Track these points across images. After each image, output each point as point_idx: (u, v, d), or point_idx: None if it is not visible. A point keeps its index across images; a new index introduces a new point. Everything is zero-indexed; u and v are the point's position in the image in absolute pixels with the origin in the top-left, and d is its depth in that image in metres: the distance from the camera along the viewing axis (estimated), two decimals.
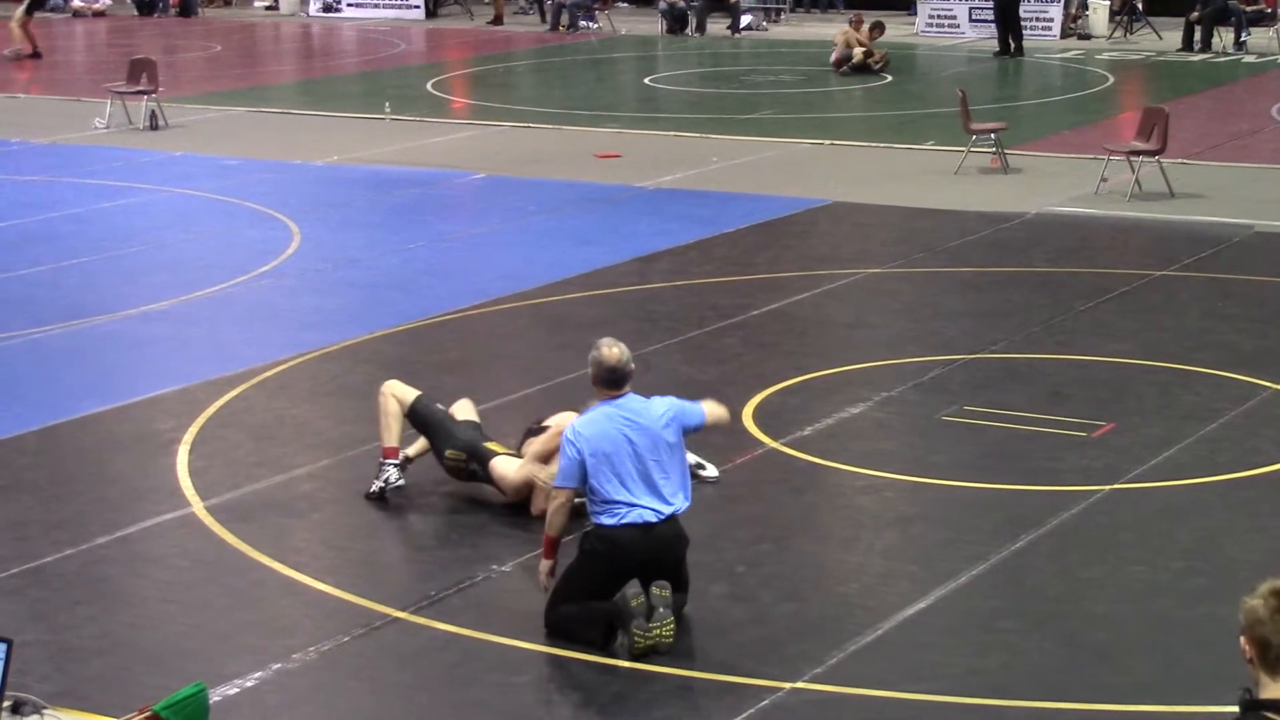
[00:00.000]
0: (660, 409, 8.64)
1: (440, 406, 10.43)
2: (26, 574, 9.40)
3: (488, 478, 10.09)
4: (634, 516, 8.35)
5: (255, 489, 10.57)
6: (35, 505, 10.48)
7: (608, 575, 8.36)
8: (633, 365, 8.71)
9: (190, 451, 11.24)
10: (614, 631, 8.26)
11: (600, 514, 8.42)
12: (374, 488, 10.22)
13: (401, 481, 10.22)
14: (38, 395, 12.61)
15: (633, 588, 8.16)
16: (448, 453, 10.20)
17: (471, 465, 10.12)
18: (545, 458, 9.85)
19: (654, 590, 8.23)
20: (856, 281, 15.44)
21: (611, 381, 8.63)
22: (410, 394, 10.41)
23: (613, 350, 8.65)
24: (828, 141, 22.67)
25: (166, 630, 8.77)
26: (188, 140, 23.46)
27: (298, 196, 19.65)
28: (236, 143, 23.26)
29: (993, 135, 20.39)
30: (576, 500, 8.61)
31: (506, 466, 10.03)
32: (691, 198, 19.24)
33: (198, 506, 10.29)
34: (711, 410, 8.96)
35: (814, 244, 17.28)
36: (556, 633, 8.40)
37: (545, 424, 10.28)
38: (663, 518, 8.42)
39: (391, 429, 10.29)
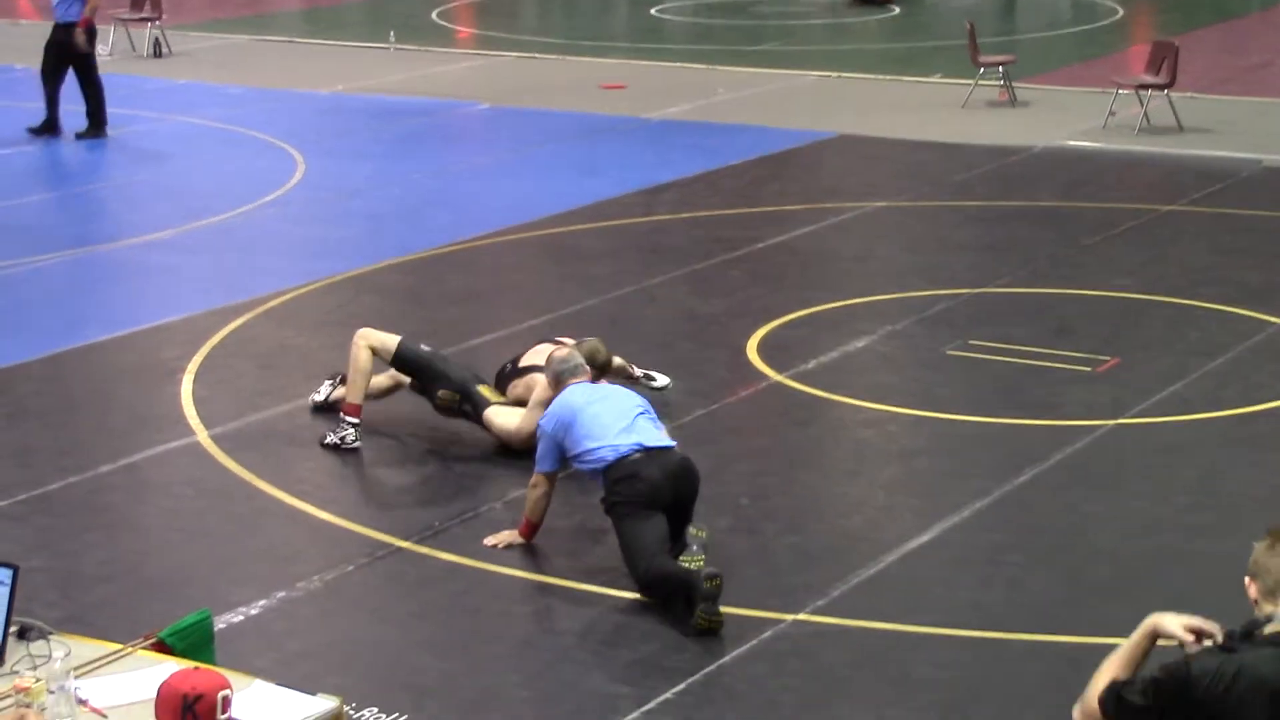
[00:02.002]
0: (634, 399, 8.74)
1: (425, 346, 10.25)
2: (32, 501, 9.43)
3: (479, 422, 9.94)
4: (630, 445, 8.34)
5: (260, 418, 10.58)
6: (41, 432, 10.50)
7: (648, 508, 8.20)
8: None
9: (194, 380, 11.25)
10: (691, 603, 8.04)
11: (599, 463, 8.33)
12: (329, 439, 10.01)
13: (358, 444, 9.98)
14: (43, 323, 12.61)
15: (709, 569, 7.93)
16: (440, 393, 10.01)
17: (464, 406, 9.99)
18: (546, 405, 9.72)
19: (691, 530, 8.22)
20: (862, 215, 15.41)
21: (577, 370, 8.82)
22: (390, 340, 10.11)
23: (572, 349, 9.09)
24: (834, 74, 22.57)
25: (171, 557, 8.80)
26: (192, 68, 23.38)
27: (302, 126, 19.60)
28: (240, 71, 23.18)
29: (1001, 68, 20.30)
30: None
31: (507, 419, 9.83)
32: (697, 130, 19.18)
33: (202, 435, 10.30)
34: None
35: (820, 177, 17.23)
36: (651, 591, 8.13)
37: (522, 363, 10.18)
38: (662, 445, 8.41)
39: (358, 384, 10.04)
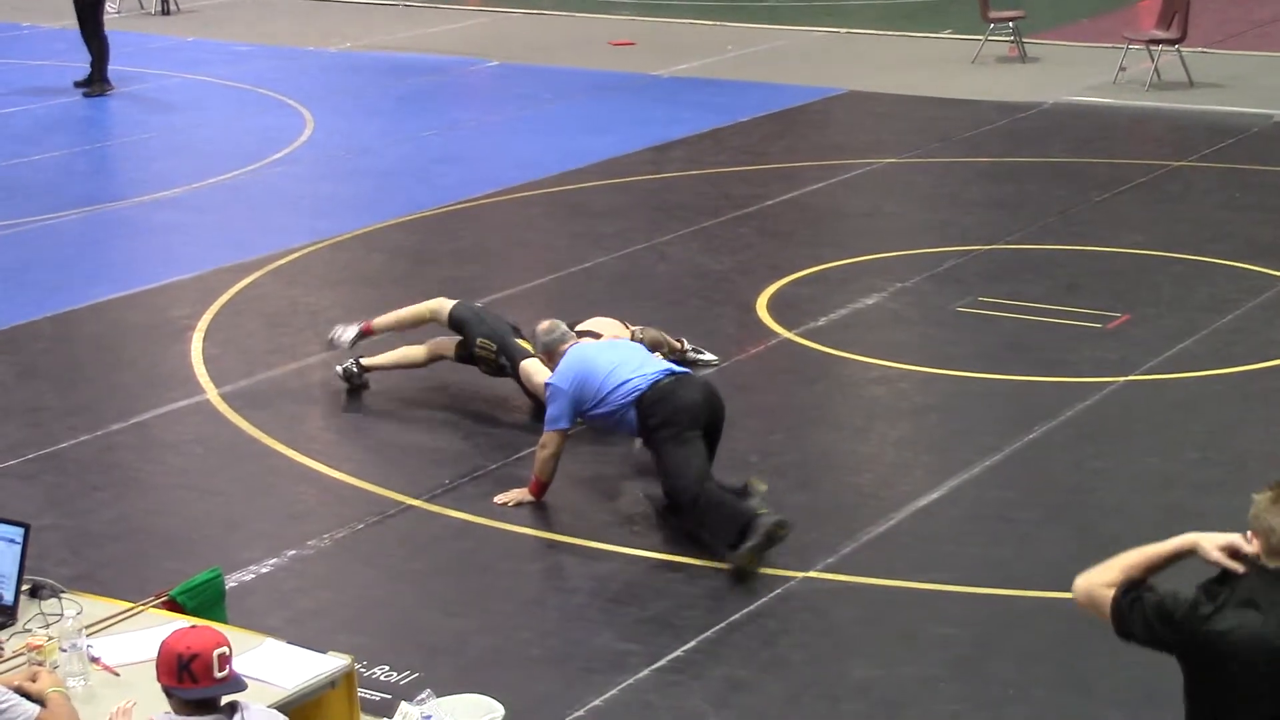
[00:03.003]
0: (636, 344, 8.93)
1: (478, 305, 10.28)
2: (43, 459, 9.45)
3: (515, 375, 9.84)
4: (659, 370, 8.47)
5: (269, 376, 10.59)
6: (51, 391, 10.51)
7: (690, 429, 8.25)
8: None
9: (204, 338, 11.25)
10: (743, 538, 8.11)
11: (631, 394, 8.35)
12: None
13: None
14: (52, 281, 12.61)
15: (768, 516, 7.97)
16: (479, 340, 9.91)
17: (500, 359, 9.86)
18: None
19: (752, 481, 8.26)
20: (872, 171, 15.37)
21: (566, 336, 8.94)
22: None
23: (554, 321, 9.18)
24: (844, 30, 22.49)
25: (182, 516, 8.82)
26: (200, 25, 23.32)
27: (310, 83, 19.56)
28: (248, 28, 23.12)
29: (1011, 23, 20.20)
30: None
31: (543, 372, 9.75)
32: (707, 86, 19.12)
33: (212, 393, 10.31)
34: None
35: (829, 133, 17.19)
36: (697, 510, 8.14)
37: (580, 328, 10.06)
38: (687, 371, 8.55)
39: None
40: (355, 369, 10.22)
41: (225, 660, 5.10)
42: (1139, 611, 4.62)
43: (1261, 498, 4.63)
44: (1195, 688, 4.62)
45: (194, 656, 5.06)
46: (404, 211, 14.27)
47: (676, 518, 8.37)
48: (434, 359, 10.21)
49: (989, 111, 17.48)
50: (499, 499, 8.73)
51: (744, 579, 7.85)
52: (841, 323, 11.39)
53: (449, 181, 15.25)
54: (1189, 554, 4.72)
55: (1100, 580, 4.73)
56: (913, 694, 6.98)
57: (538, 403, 9.62)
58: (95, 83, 18.77)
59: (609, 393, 8.43)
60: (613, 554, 8.24)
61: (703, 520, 8.14)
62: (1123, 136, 16.73)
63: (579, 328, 10.08)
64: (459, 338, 10.04)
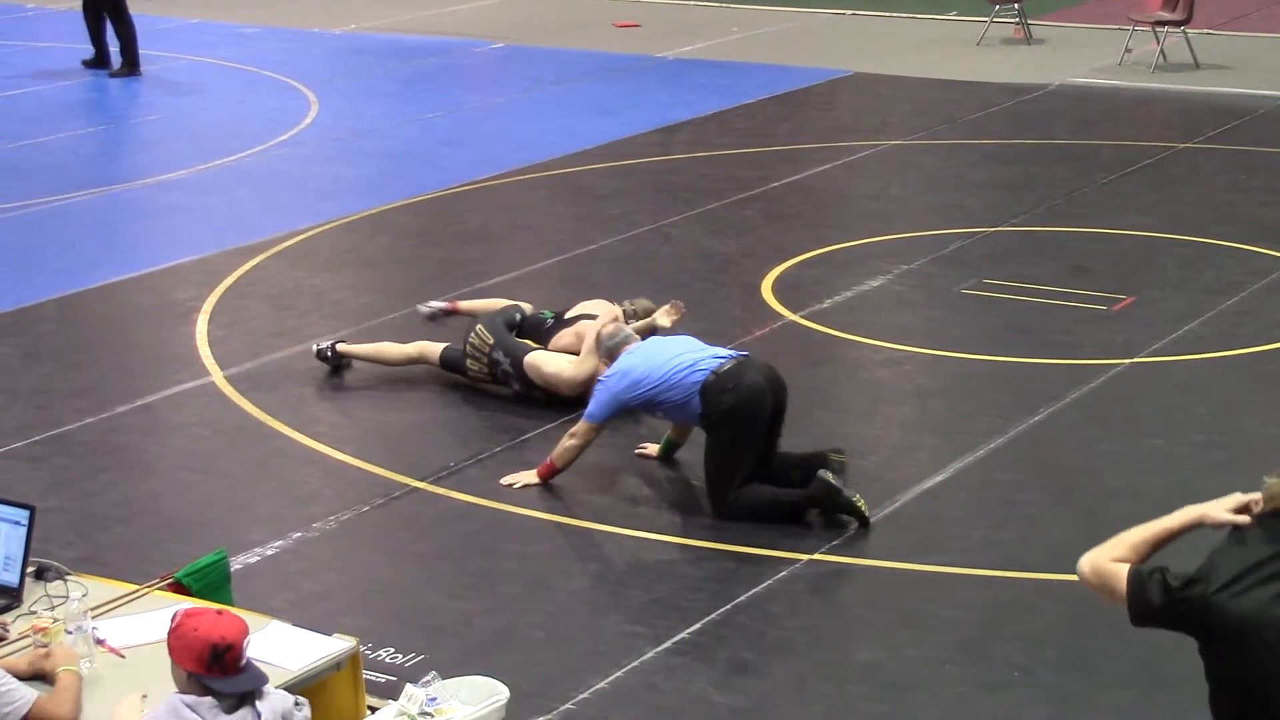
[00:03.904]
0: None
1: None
2: (49, 441, 9.45)
3: (518, 373, 9.69)
4: (724, 355, 8.46)
5: (274, 358, 10.59)
6: (56, 373, 10.51)
7: (754, 421, 8.27)
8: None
9: (209, 321, 11.26)
10: (806, 511, 8.19)
11: (702, 376, 8.31)
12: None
13: (328, 350, 10.21)
14: (57, 263, 12.61)
15: (833, 476, 8.12)
16: (473, 334, 9.83)
17: (496, 354, 9.75)
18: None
19: (833, 457, 8.31)
20: (877, 153, 15.35)
21: (629, 338, 8.83)
22: (438, 348, 10.08)
23: (619, 324, 9.14)
24: (849, 11, 22.46)
25: (188, 498, 8.82)
26: (204, 7, 23.30)
27: (315, 65, 19.55)
28: (253, 10, 23.10)
29: (1016, 5, 20.18)
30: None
31: (557, 363, 9.63)
32: (711, 68, 19.10)
33: (217, 376, 10.31)
34: None
35: (835, 115, 17.17)
36: (734, 520, 8.26)
37: (569, 314, 10.06)
38: (746, 355, 8.55)
39: (371, 350, 10.18)
40: (330, 353, 10.24)
41: (247, 649, 5.11)
42: (1157, 580, 4.46)
43: (1275, 480, 4.56)
44: (1220, 667, 4.49)
45: (229, 647, 5.03)
46: (409, 193, 14.27)
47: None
48: (412, 362, 10.15)
49: (994, 93, 17.46)
50: (505, 480, 8.73)
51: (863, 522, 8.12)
52: (846, 305, 11.39)
53: (454, 163, 15.24)
54: (1196, 527, 4.65)
55: (1108, 555, 4.60)
56: (918, 676, 6.99)
57: (546, 394, 9.62)
58: (127, 65, 18.81)
59: (675, 381, 8.37)
60: (618, 536, 8.25)
61: (747, 520, 8.25)
62: (1128, 118, 16.71)
63: (569, 314, 10.08)
64: (445, 345, 10.05)
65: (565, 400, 9.50)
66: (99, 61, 19.07)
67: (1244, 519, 4.54)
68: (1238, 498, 4.60)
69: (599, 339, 9.03)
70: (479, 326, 9.94)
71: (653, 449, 9.02)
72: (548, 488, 8.68)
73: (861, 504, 8.17)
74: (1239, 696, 4.47)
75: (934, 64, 18.90)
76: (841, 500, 8.15)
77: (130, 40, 18.81)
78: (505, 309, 10.18)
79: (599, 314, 9.81)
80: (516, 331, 10.03)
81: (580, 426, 8.58)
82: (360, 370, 10.30)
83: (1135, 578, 4.52)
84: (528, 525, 8.39)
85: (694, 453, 8.84)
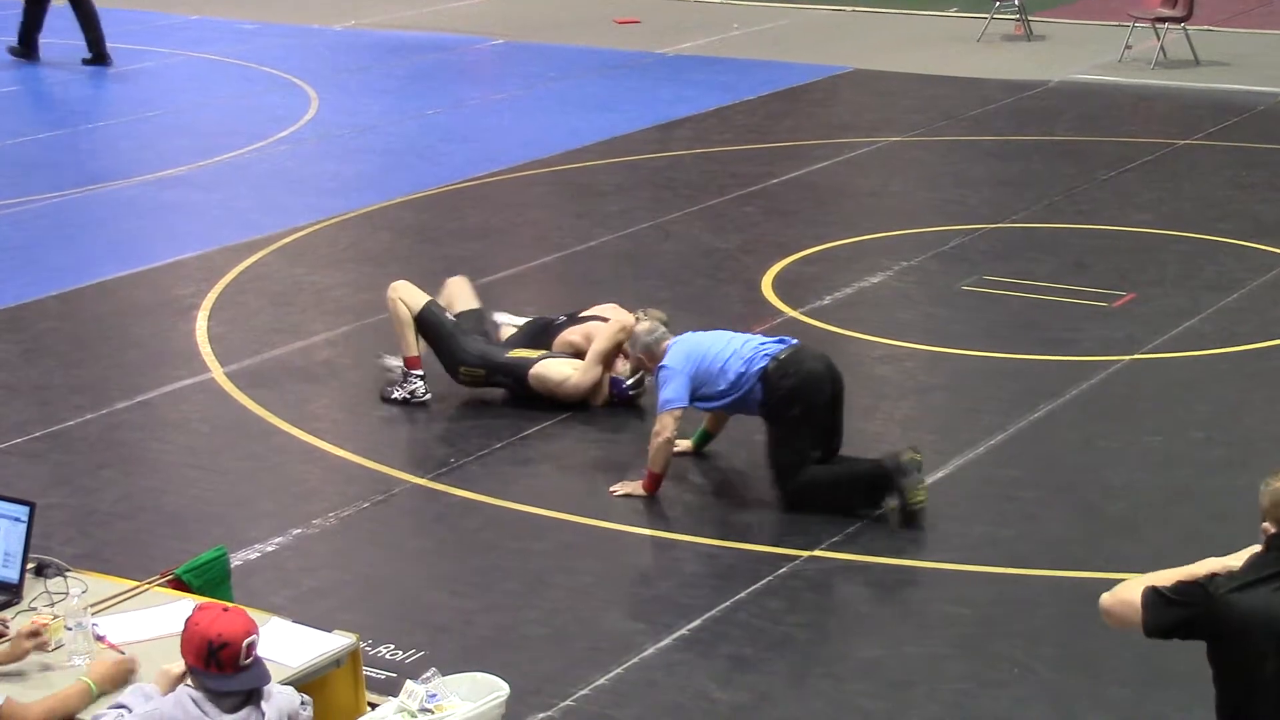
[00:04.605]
0: None
1: (449, 316, 9.84)
2: (49, 438, 9.45)
3: (523, 388, 9.60)
4: (782, 343, 8.50)
5: (274, 355, 10.59)
6: (57, 369, 10.51)
7: (811, 411, 8.30)
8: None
9: (209, 317, 11.26)
10: (878, 494, 8.21)
11: (764, 363, 8.33)
12: (395, 394, 9.72)
13: (429, 396, 9.72)
14: (57, 260, 12.61)
15: (903, 451, 8.17)
16: (462, 369, 9.70)
17: (495, 379, 9.67)
18: (608, 357, 9.57)
19: (908, 454, 8.29)
20: (877, 150, 15.35)
21: (666, 334, 8.79)
22: (419, 300, 9.75)
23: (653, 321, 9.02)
24: (850, 8, 22.44)
25: (188, 494, 8.82)
26: (204, 3, 23.28)
27: (315, 61, 19.54)
28: (253, 6, 23.08)
29: (1016, 2, 20.16)
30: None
31: (561, 369, 9.58)
32: (712, 64, 19.09)
33: (217, 372, 10.31)
34: None
35: (835, 112, 17.16)
36: (802, 506, 8.27)
37: (581, 314, 10.07)
38: (798, 343, 8.57)
39: (408, 338, 9.71)
40: (402, 380, 9.82)
41: (253, 648, 5.10)
42: (1169, 588, 4.58)
43: (1270, 489, 4.59)
44: (1226, 666, 4.52)
45: (224, 645, 5.03)
46: (409, 190, 14.26)
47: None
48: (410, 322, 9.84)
49: (995, 90, 17.45)
50: (615, 489, 8.57)
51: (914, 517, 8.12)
52: (847, 301, 11.39)
53: (454, 160, 15.23)
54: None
55: (1128, 587, 4.70)
56: (918, 672, 6.99)
57: (554, 402, 9.55)
58: (97, 56, 18.86)
59: (733, 370, 8.38)
60: (618, 533, 8.24)
61: (812, 507, 8.26)
62: (1128, 115, 16.70)
63: (583, 314, 10.06)
64: (425, 301, 9.77)
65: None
66: (25, 52, 19.13)
67: None
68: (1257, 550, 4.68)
69: (635, 339, 8.95)
70: (461, 369, 9.69)
71: (685, 444, 8.93)
72: (546, 483, 8.67)
73: (921, 497, 8.12)
74: (1243, 696, 4.49)
75: (934, 60, 18.89)
76: (906, 482, 8.10)
77: (94, 29, 18.84)
78: (471, 332, 9.84)
79: (610, 318, 9.80)
80: (517, 335, 10.02)
81: (660, 421, 8.40)
82: (360, 367, 10.30)
83: (1152, 594, 4.63)
84: (528, 522, 8.38)
85: (695, 453, 8.86)
